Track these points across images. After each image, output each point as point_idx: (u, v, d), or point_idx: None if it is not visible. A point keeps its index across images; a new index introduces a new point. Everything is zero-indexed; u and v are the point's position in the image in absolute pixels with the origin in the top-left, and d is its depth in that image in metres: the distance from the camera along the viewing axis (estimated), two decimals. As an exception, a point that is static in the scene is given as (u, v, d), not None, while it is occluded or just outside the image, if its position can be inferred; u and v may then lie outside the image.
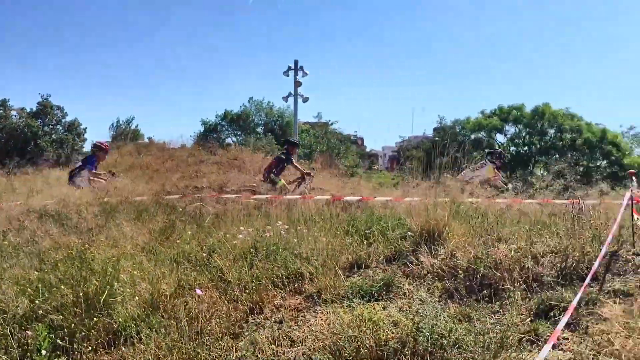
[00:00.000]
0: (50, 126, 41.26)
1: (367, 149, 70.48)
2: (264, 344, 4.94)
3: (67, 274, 5.75)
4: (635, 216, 7.07)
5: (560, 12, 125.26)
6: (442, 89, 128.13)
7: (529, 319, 5.08)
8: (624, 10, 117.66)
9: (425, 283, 6.05)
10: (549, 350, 4.58)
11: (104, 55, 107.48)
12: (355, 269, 6.60)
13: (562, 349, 4.63)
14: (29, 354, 4.77)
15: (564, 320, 4.11)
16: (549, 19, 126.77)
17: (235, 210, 9.61)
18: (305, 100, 32.96)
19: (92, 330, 5.12)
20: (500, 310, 5.30)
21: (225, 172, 17.53)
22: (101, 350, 5.07)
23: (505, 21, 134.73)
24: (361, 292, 5.77)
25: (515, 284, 5.66)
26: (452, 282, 5.91)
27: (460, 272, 6.03)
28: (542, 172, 34.34)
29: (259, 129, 46.29)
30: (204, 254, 6.93)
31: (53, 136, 40.50)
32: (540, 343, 4.62)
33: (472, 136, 42.87)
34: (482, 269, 5.95)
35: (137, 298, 5.64)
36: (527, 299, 5.45)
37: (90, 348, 4.98)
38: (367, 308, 4.90)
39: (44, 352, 4.74)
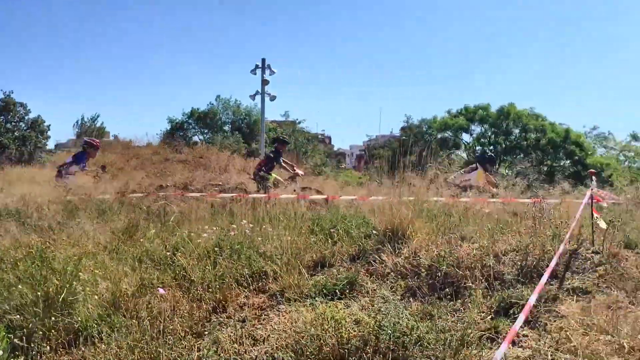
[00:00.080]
0: (13, 123, 40.50)
1: (335, 148, 70.59)
2: (226, 342, 4.93)
3: (27, 273, 5.66)
4: (595, 215, 7.19)
5: (524, 13, 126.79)
6: (409, 89, 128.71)
7: (490, 316, 5.14)
8: (587, 12, 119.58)
9: (388, 281, 6.09)
10: (509, 347, 4.66)
11: (69, 52, 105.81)
12: (320, 267, 6.60)
13: (521, 346, 4.70)
14: (-14, 354, 4.69)
15: (521, 318, 4.16)
16: (514, 19, 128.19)
17: (201, 209, 9.56)
18: (273, 98, 32.95)
19: (52, 330, 5.05)
20: (462, 308, 5.36)
21: (190, 170, 17.41)
22: (61, 350, 5.01)
23: (471, 22, 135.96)
24: (325, 290, 5.78)
25: (477, 282, 5.73)
26: (415, 281, 5.95)
27: (423, 270, 6.08)
28: (507, 171, 34.71)
29: (226, 127, 45.99)
30: (168, 253, 6.87)
31: (15, 133, 39.76)
32: (500, 340, 4.68)
33: (439, 135, 43.19)
34: (444, 267, 6.01)
35: (98, 297, 5.58)
36: (489, 297, 5.51)
37: (49, 348, 4.92)
38: (329, 307, 4.91)
39: (1, 352, 4.66)
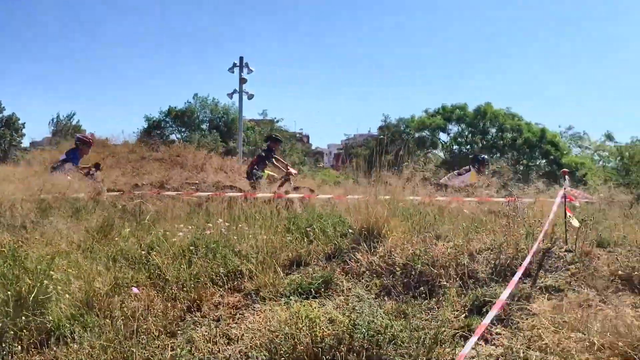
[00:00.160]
0: (-13, 121, 40.06)
1: (313, 147, 70.60)
2: (200, 342, 4.92)
3: (-1, 272, 5.61)
4: (568, 214, 7.27)
5: (500, 14, 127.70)
6: (388, 88, 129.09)
7: (464, 314, 5.17)
8: (563, 13, 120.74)
9: (363, 280, 6.10)
10: (482, 345, 4.70)
11: (46, 49, 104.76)
12: (295, 266, 6.60)
13: (494, 344, 4.73)
14: (-44, 354, 4.64)
15: (491, 315, 4.20)
16: (490, 19, 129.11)
17: (177, 207, 9.52)
18: (251, 97, 32.86)
19: (24, 330, 5.01)
20: (436, 307, 5.38)
21: (167, 169, 17.30)
22: (33, 350, 4.97)
23: (449, 22, 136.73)
24: (300, 289, 5.78)
25: (451, 281, 5.76)
26: (390, 279, 5.97)
27: (398, 269, 6.10)
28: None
29: (203, 126, 45.89)
30: (143, 252, 6.83)
31: (-11, 131, 39.34)
32: (476, 338, 4.72)
33: (416, 135, 43.35)
34: (419, 266, 6.03)
35: (70, 296, 5.53)
36: (463, 295, 5.55)
37: (21, 348, 4.89)
38: (304, 305, 4.90)
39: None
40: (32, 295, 5.31)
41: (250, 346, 4.83)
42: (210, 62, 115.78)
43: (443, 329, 4.72)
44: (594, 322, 4.57)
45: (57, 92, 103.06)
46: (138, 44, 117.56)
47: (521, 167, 38.99)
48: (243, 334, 5.08)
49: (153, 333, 5.04)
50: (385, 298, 5.62)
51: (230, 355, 4.77)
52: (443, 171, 15.83)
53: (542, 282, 5.77)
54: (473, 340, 3.77)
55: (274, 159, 13.96)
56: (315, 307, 4.93)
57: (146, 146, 22.37)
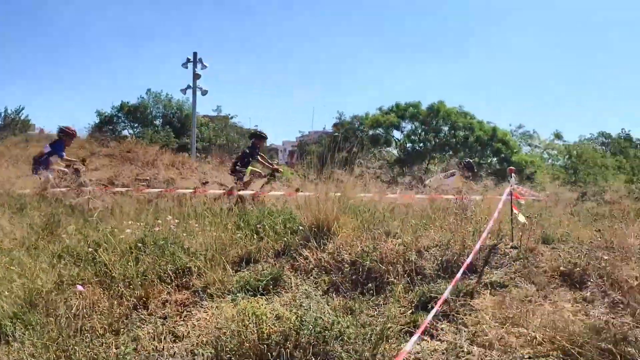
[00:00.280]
0: None
1: (268, 143, 70.32)
2: (145, 339, 4.87)
3: (-63, 270, 5.46)
4: (515, 211, 7.41)
5: (454, 12, 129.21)
6: (342, 85, 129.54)
7: (410, 310, 5.23)
8: (513, 12, 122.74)
9: (312, 277, 6.12)
10: (427, 341, 4.77)
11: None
12: (245, 263, 6.58)
13: (439, 339, 4.80)
14: None
15: (434, 311, 4.26)
16: (444, 18, 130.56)
17: (126, 204, 9.39)
18: (205, 93, 32.65)
19: (-36, 329, 4.89)
20: (384, 303, 5.43)
21: (117, 165, 17.05)
22: (-28, 350, 4.85)
23: (403, 19, 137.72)
24: (248, 286, 5.77)
25: (399, 277, 5.82)
26: (339, 276, 6.00)
27: (347, 266, 6.14)
28: (436, 168, 35.37)
29: (157, 122, 45.25)
30: (90, 249, 6.71)
31: None
32: (418, 334, 4.78)
33: (370, 132, 43.52)
34: (368, 262, 6.07)
35: (12, 295, 5.41)
36: (410, 292, 5.61)
37: (-39, 347, 4.76)
38: (250, 302, 4.89)
39: None
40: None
41: (197, 343, 4.81)
42: (164, 57, 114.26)
43: (389, 324, 4.77)
44: (534, 318, 4.68)
45: (4, 86, 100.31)
46: (90, 38, 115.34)
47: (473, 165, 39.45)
48: (190, 332, 5.05)
49: (98, 331, 4.96)
50: (334, 294, 5.65)
51: (176, 352, 4.73)
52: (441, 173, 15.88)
53: (487, 278, 5.87)
54: (415, 337, 3.82)
55: (258, 156, 13.77)
56: (262, 304, 4.92)
57: (96, 142, 22.03)
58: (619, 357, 4.04)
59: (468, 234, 6.63)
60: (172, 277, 6.10)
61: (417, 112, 42.95)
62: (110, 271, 6.10)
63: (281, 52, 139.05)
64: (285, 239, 7.07)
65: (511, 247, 6.66)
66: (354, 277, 6.00)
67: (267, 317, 4.63)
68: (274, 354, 4.30)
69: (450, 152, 41.85)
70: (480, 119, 43.39)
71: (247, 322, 4.56)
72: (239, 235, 7.18)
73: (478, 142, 41.59)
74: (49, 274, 5.95)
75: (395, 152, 43.94)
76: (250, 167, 13.39)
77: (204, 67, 32.21)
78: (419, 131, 43.57)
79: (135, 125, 44.94)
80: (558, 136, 50.14)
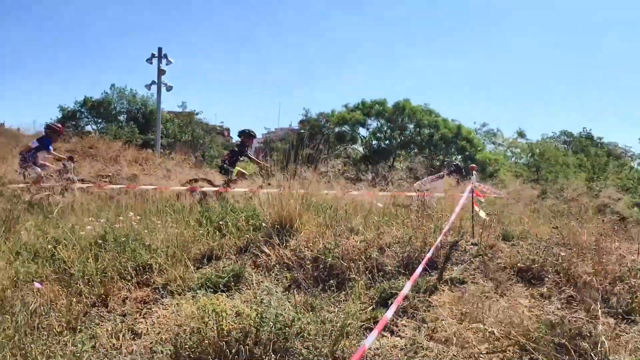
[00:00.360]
0: None
1: (234, 140, 70.05)
2: (104, 337, 4.82)
3: None
4: (476, 208, 7.51)
5: (419, 12, 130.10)
6: (308, 82, 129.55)
7: (371, 307, 5.27)
8: (478, 11, 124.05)
9: (273, 274, 6.12)
10: (387, 336, 4.81)
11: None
12: (207, 260, 6.56)
13: (399, 336, 4.84)
14: None
15: (393, 307, 4.28)
16: (412, 16, 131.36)
17: (87, 200, 9.27)
18: (169, 89, 32.30)
19: None
20: (345, 300, 5.45)
21: (79, 161, 16.79)
22: None
23: (372, 17, 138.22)
24: (209, 283, 5.75)
25: (360, 274, 5.85)
26: (301, 273, 6.00)
27: (309, 262, 6.16)
28: (401, 165, 35.57)
29: (121, 117, 44.69)
30: (49, 246, 6.61)
31: None
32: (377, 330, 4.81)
33: (336, 129, 43.52)
34: (330, 259, 6.10)
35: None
36: (371, 288, 5.65)
37: None
38: (211, 299, 4.87)
39: None
40: None
41: (156, 341, 4.78)
42: (128, 53, 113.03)
43: (349, 321, 4.78)
44: (491, 313, 4.74)
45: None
46: (53, 32, 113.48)
47: (437, 163, 39.76)
48: (149, 329, 5.02)
49: (55, 329, 4.90)
50: (295, 291, 5.66)
51: (135, 350, 4.69)
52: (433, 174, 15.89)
53: (447, 275, 5.94)
54: (374, 333, 3.84)
55: (248, 154, 13.61)
56: (222, 301, 4.90)
57: (58, 137, 21.65)
58: (573, 351, 4.12)
59: (429, 231, 6.69)
60: (133, 274, 6.04)
61: (382, 109, 43.02)
62: (69, 268, 6.02)
63: (247, 49, 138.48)
64: (247, 235, 7.05)
65: (472, 244, 6.75)
66: (315, 273, 6.02)
67: (227, 314, 4.62)
68: (233, 350, 4.29)
69: (416, 150, 42.07)
70: (445, 117, 43.71)
71: (207, 319, 4.54)
72: (201, 232, 7.15)
73: (443, 140, 41.82)
74: (5, 271, 5.85)
75: (361, 149, 44.01)
76: (237, 168, 13.30)
77: (169, 62, 31.88)
78: (385, 129, 43.65)
79: (99, 120, 44.35)
80: (521, 134, 50.79)
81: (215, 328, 4.47)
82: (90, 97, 44.41)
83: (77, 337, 4.77)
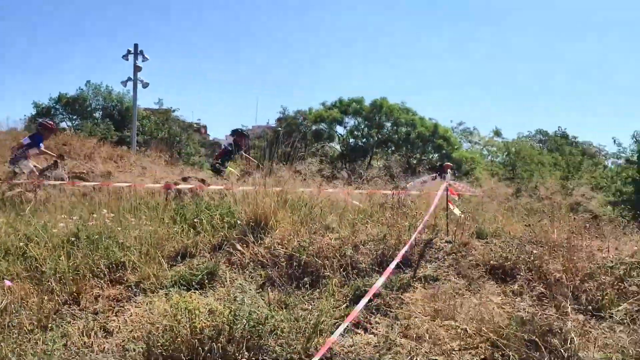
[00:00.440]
0: None
1: (211, 138, 69.74)
2: (75, 335, 4.78)
3: None
4: (450, 206, 7.56)
5: (392, 10, 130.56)
6: (286, 80, 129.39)
7: (345, 304, 5.27)
8: (455, 9, 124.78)
9: (248, 272, 6.11)
10: (361, 333, 4.82)
11: None
12: (181, 258, 6.52)
13: (373, 333, 4.86)
14: None
15: (363, 301, 4.30)
16: (385, 14, 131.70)
17: (60, 197, 9.18)
18: (145, 85, 32.08)
19: None
20: (320, 297, 5.46)
21: (52, 157, 16.59)
22: None
23: (349, 15, 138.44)
24: (183, 281, 5.73)
25: (335, 272, 5.86)
26: (275, 270, 6.00)
27: (283, 260, 6.15)
28: (379, 163, 35.70)
29: (96, 114, 44.27)
30: (20, 244, 6.54)
31: None
32: (352, 328, 4.83)
33: (314, 127, 43.55)
34: (304, 257, 6.10)
35: None
36: (345, 286, 5.66)
37: None
38: (183, 297, 4.85)
39: None
40: None
41: (129, 339, 4.76)
42: (104, 49, 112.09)
43: (323, 318, 4.80)
44: (462, 311, 4.78)
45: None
46: (26, 26, 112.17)
47: (414, 161, 39.98)
48: (121, 327, 5.00)
49: (26, 327, 4.85)
50: (269, 289, 5.64)
51: (106, 348, 4.67)
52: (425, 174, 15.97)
53: (421, 272, 5.98)
54: (343, 326, 3.85)
55: (242, 152, 13.52)
56: (195, 299, 4.89)
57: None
58: (543, 348, 4.16)
59: (404, 229, 6.71)
60: (106, 272, 6.01)
61: (360, 107, 43.11)
62: (40, 266, 5.97)
63: (225, 46, 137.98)
64: (222, 233, 7.03)
65: (446, 242, 6.79)
66: (289, 271, 6.02)
67: (200, 311, 4.60)
68: (206, 348, 4.28)
69: (393, 148, 42.26)
70: (422, 115, 43.91)
71: (179, 317, 4.52)
72: (175, 229, 7.11)
73: (420, 139, 42.02)
74: (-24, 268, 5.79)
75: (338, 147, 44.08)
76: (229, 168, 13.26)
77: (145, 59, 31.65)
78: (362, 127, 43.76)
79: (74, 117, 43.92)
80: (497, 133, 51.30)
81: (188, 326, 4.45)
82: (65, 94, 43.96)
83: (48, 335, 4.73)
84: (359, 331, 4.87)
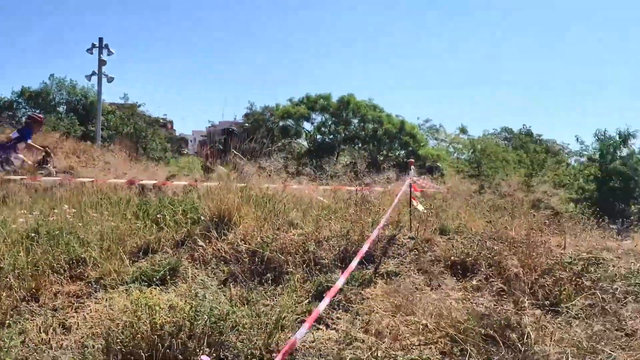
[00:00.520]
0: None
1: (177, 133, 69.30)
2: (33, 332, 4.72)
3: None
4: (413, 202, 7.61)
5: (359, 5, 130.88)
6: (254, 75, 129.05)
7: (307, 300, 5.29)
8: (422, 7, 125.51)
9: (210, 267, 6.09)
10: (323, 329, 4.84)
11: None
12: (143, 254, 6.47)
13: (334, 329, 4.88)
14: None
15: (326, 300, 4.31)
16: (349, 12, 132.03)
17: (21, 193, 9.03)
18: (110, 80, 31.76)
19: None
20: (281, 293, 5.46)
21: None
22: None
23: (318, 11, 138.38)
24: (144, 277, 5.68)
25: (297, 268, 5.87)
26: (238, 266, 5.99)
27: (246, 256, 6.14)
28: (345, 160, 35.74)
29: (60, 108, 43.62)
30: (-22, 240, 6.43)
31: None
32: (315, 324, 4.84)
33: (281, 123, 43.47)
34: (267, 253, 6.10)
35: None
36: (307, 281, 5.67)
37: None
38: (144, 293, 4.82)
39: None
40: None
41: (88, 335, 4.71)
42: (68, 42, 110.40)
43: (285, 314, 4.81)
44: (421, 306, 4.83)
45: None
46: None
47: (381, 158, 40.13)
48: (81, 323, 4.94)
49: (-18, 325, 4.78)
50: (232, 285, 5.63)
51: (65, 344, 4.62)
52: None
53: (384, 268, 6.01)
54: (305, 327, 3.86)
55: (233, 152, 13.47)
56: (155, 295, 4.86)
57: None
58: (501, 342, 4.22)
59: (367, 225, 6.75)
60: (66, 268, 5.93)
61: (327, 104, 43.14)
62: (-1, 262, 5.87)
63: (192, 41, 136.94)
64: (185, 229, 6.99)
65: (409, 238, 6.84)
66: (252, 267, 6.02)
67: (160, 307, 4.56)
68: (166, 344, 4.25)
69: (360, 145, 42.36)
70: (389, 112, 44.08)
71: (139, 313, 4.48)
72: (138, 225, 7.05)
73: (387, 135, 42.21)
74: None
75: (305, 143, 44.06)
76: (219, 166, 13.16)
77: (110, 53, 31.33)
78: (329, 123, 43.80)
79: (37, 111, 43.21)
80: (463, 130, 51.66)
81: (148, 322, 4.41)
82: (28, 87, 43.22)
83: (5, 332, 4.66)
84: (320, 327, 4.89)
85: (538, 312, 4.72)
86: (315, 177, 10.05)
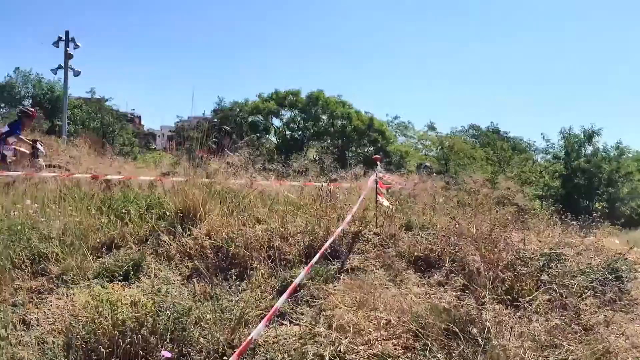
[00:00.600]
0: None
1: (145, 128, 68.70)
2: (-9, 328, 4.65)
3: None
4: (380, 198, 7.65)
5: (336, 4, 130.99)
6: (222, 70, 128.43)
7: (271, 296, 5.29)
8: (389, 8, 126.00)
9: (174, 263, 6.05)
10: (287, 325, 4.85)
11: None
12: (107, 249, 6.41)
13: (297, 324, 4.89)
14: None
15: (284, 296, 4.33)
16: (329, 11, 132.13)
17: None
18: (77, 74, 31.39)
19: None
20: (246, 289, 5.45)
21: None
22: None
23: (287, 7, 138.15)
24: (107, 272, 5.63)
25: (262, 263, 5.86)
26: (203, 262, 5.96)
27: (210, 251, 6.13)
28: (314, 155, 35.79)
29: (26, 102, 42.99)
30: None
31: None
32: (279, 319, 4.86)
33: (250, 119, 43.41)
34: (232, 248, 6.09)
35: None
36: (272, 277, 5.67)
37: None
38: (106, 289, 4.78)
39: None
40: None
41: (48, 331, 4.66)
42: (34, 35, 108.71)
43: (248, 310, 4.81)
44: (383, 301, 4.86)
45: None
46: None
47: (350, 154, 40.29)
48: (41, 319, 4.88)
49: (-61, 322, 4.70)
50: (195, 280, 5.60)
51: (26, 341, 4.55)
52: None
53: (349, 264, 6.04)
54: (262, 324, 3.87)
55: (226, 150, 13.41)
56: (117, 290, 4.82)
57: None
58: (462, 337, 4.27)
59: (333, 221, 6.77)
60: (27, 264, 5.85)
61: (296, 100, 43.19)
62: (-43, 258, 5.77)
63: (161, 36, 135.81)
64: (151, 224, 6.94)
65: (374, 234, 6.88)
66: (217, 262, 6.00)
67: (122, 303, 4.53)
68: (127, 340, 4.22)
69: (329, 141, 42.49)
70: (358, 109, 44.26)
71: (101, 309, 4.44)
72: (103, 220, 6.98)
73: (355, 132, 42.40)
74: None
75: (274, 139, 44.05)
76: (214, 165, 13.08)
77: (76, 46, 30.96)
78: (298, 119, 43.85)
79: (1, 105, 42.59)
80: (431, 127, 52.03)
81: (109, 318, 4.37)
82: (-8, 81, 42.58)
83: (-37, 329, 4.59)
84: (284, 322, 4.90)
85: (499, 306, 4.79)
86: (282, 173, 10.05)
